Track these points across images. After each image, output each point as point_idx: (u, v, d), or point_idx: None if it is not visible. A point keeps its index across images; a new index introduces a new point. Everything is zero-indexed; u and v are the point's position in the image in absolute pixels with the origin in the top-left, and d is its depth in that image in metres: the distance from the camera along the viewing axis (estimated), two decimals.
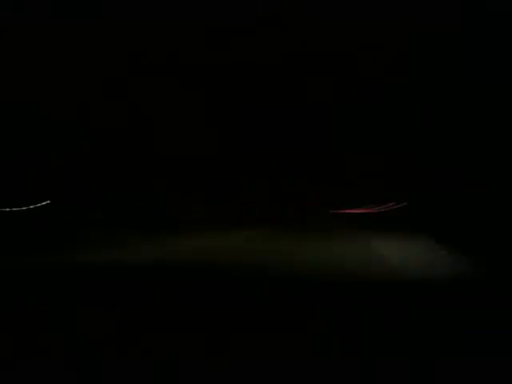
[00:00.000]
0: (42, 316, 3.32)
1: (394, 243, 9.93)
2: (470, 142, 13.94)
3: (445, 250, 7.62)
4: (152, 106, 20.94)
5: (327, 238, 11.54)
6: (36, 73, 16.60)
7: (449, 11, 12.35)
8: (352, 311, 3.23)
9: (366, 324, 3.03)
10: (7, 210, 20.52)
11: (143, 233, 12.62)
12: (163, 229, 14.34)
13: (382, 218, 26.56)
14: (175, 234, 12.25)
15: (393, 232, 13.55)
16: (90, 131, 22.58)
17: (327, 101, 16.82)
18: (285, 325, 3.04)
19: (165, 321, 3.16)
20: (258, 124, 21.95)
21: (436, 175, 16.18)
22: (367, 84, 15.51)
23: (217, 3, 14.25)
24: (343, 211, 42.79)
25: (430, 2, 12.73)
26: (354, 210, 42.91)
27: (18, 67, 16.13)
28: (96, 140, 23.63)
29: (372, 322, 3.04)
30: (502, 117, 12.88)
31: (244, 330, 3.02)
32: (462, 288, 4.37)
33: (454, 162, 14.56)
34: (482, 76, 12.66)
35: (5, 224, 16.75)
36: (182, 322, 3.15)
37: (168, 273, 5.66)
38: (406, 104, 15.07)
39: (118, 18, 14.31)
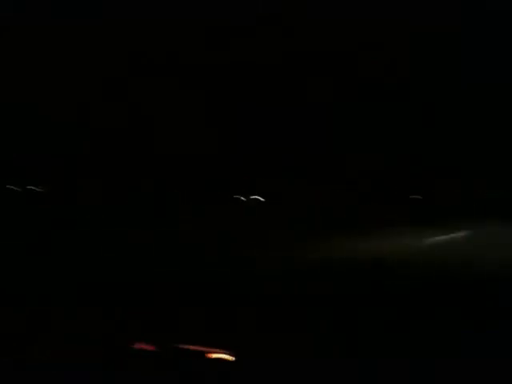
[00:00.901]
0: None
1: None
2: (470, 142, 13.93)
3: None
4: (152, 106, 20.92)
5: None
6: (36, 73, 16.60)
7: (449, 11, 12.35)
8: None
9: None
10: None
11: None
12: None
13: None
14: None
15: None
16: (90, 131, 22.55)
17: (327, 101, 16.81)
18: None
19: None
20: (258, 124, 21.92)
21: (436, 175, 16.17)
22: (367, 84, 15.50)
23: (217, 3, 14.26)
24: None
25: (430, 2, 12.73)
26: None
27: (18, 67, 16.13)
28: (96, 140, 23.61)
29: None
30: (502, 117, 12.88)
31: None
32: None
33: (454, 162, 14.56)
34: (481, 76, 12.65)
35: None
36: None
37: None
38: (406, 104, 15.06)
39: (118, 18, 14.32)
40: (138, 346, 2.57)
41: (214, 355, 2.47)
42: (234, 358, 2.45)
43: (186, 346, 2.57)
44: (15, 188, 22.32)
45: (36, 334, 3.01)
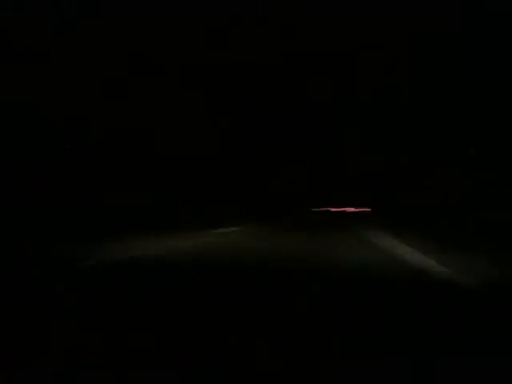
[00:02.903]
0: None
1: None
2: (470, 143, 13.93)
3: None
4: (152, 106, 20.94)
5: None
6: (36, 73, 16.61)
7: (449, 11, 12.36)
8: None
9: None
10: None
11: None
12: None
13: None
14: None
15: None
16: (90, 131, 22.56)
17: (327, 101, 16.83)
18: None
19: None
20: (258, 124, 21.94)
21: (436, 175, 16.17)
22: (367, 84, 15.51)
23: (217, 3, 14.26)
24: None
25: (430, 2, 12.74)
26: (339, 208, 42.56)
27: (18, 67, 16.14)
28: (96, 140, 23.62)
29: None
30: (503, 117, 12.88)
31: None
32: None
33: (454, 162, 14.57)
34: (481, 76, 12.66)
35: None
36: None
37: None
38: (405, 104, 15.07)
39: (118, 18, 14.32)
40: None
41: None
42: None
43: None
44: None
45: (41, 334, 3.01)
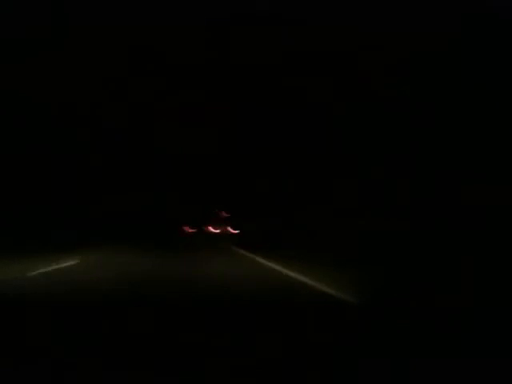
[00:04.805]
0: None
1: None
2: (470, 145, 13.94)
3: None
4: (152, 106, 20.95)
5: None
6: (36, 73, 16.62)
7: (449, 14, 12.37)
8: None
9: None
10: None
11: None
12: None
13: None
14: None
15: None
16: (90, 131, 22.58)
17: (327, 101, 16.82)
18: None
19: None
20: (258, 124, 21.95)
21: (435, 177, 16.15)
22: (367, 85, 15.50)
23: (217, 3, 14.27)
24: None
25: (431, 4, 12.75)
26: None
27: (18, 67, 16.15)
28: (96, 140, 23.64)
29: None
30: (503, 120, 12.90)
31: None
32: None
33: (453, 165, 14.58)
34: (482, 79, 12.64)
35: None
36: None
37: None
38: (405, 106, 15.07)
39: (118, 18, 14.32)
40: None
41: None
42: None
43: None
44: None
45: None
